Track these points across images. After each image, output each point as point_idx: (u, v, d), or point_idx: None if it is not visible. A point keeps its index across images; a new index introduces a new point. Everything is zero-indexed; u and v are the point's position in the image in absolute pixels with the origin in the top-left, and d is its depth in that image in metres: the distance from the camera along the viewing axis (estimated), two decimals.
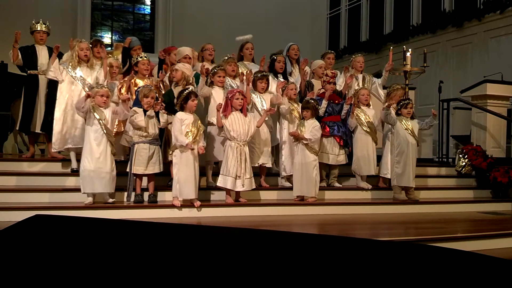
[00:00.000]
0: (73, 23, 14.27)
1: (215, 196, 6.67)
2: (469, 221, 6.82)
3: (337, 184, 7.52)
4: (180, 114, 6.17)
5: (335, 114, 7.46)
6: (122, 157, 6.94)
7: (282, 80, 7.65)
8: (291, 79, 7.84)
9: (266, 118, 6.83)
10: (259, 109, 7.04)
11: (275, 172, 7.40)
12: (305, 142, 6.78)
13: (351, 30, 15.65)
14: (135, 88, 6.60)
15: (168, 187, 6.42)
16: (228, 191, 6.46)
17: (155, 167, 6.21)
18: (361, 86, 7.95)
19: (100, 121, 5.92)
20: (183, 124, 6.11)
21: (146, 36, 15.55)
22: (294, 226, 6.01)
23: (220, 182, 6.37)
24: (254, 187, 6.55)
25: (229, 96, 6.46)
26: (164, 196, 6.39)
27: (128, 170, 6.21)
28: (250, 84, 7.04)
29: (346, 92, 7.84)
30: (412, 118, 7.34)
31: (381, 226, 6.26)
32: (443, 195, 7.98)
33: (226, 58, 7.30)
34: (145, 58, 6.88)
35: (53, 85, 7.10)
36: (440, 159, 9.74)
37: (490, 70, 10.12)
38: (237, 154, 6.32)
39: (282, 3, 16.04)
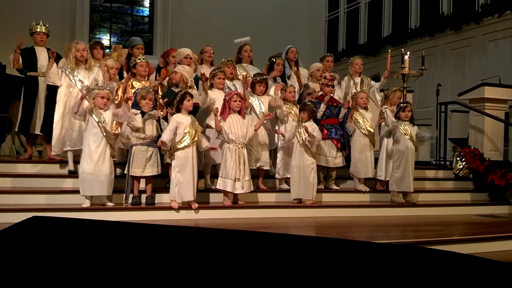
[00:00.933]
0: (71, 25, 14.28)
1: (213, 198, 6.66)
2: (466, 224, 6.83)
3: (334, 187, 7.52)
4: (177, 116, 6.17)
5: (333, 117, 7.47)
6: (120, 159, 6.93)
7: (280, 83, 7.66)
8: (289, 82, 7.84)
9: (264, 121, 6.82)
10: (257, 112, 7.04)
11: (273, 175, 7.40)
12: (310, 139, 6.74)
13: (349, 32, 15.68)
14: (132, 90, 6.60)
15: (166, 189, 6.41)
16: (226, 193, 6.46)
17: (153, 169, 6.21)
18: (359, 89, 7.95)
19: (99, 123, 5.90)
20: (180, 127, 6.11)
21: (145, 38, 15.53)
22: (292, 228, 6.00)
23: (219, 185, 6.38)
24: (252, 189, 6.55)
25: (227, 99, 6.46)
26: (161, 198, 6.39)
27: (126, 172, 6.21)
28: (249, 87, 7.05)
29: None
30: (412, 122, 7.33)
31: (379, 228, 6.26)
32: (440, 198, 7.97)
33: (225, 60, 7.30)
34: (143, 60, 6.84)
35: (52, 87, 7.10)
36: (438, 162, 9.74)
37: (488, 73, 10.14)
38: (236, 156, 6.32)
39: (281, 5, 16.06)
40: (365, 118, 7.44)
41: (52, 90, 7.09)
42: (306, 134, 6.72)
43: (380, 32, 14.20)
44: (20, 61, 7.12)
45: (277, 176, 7.24)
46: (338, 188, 7.57)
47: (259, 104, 7.10)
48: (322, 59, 8.37)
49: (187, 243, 2.57)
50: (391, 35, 13.67)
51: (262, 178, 7.20)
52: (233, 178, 6.29)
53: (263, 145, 7.04)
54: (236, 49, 8.05)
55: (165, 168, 6.46)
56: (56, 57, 7.23)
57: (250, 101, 6.96)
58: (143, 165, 6.14)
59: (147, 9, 16.04)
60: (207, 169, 6.95)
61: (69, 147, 6.71)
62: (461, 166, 8.54)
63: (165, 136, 6.02)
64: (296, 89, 7.41)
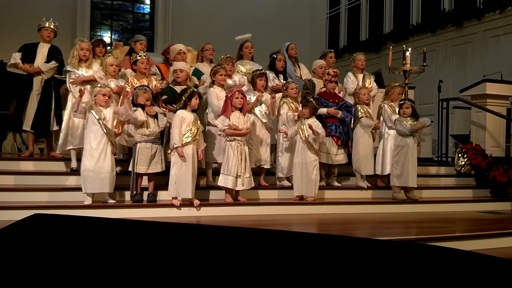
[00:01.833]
0: (72, 22, 14.26)
1: (215, 195, 6.67)
2: (468, 221, 6.83)
3: (336, 184, 7.52)
4: (181, 112, 6.16)
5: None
6: (121, 156, 6.93)
7: (282, 79, 7.65)
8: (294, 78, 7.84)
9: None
10: (256, 111, 7.03)
11: (274, 172, 7.40)
12: (315, 136, 6.74)
13: (350, 29, 15.65)
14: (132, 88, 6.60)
15: (167, 186, 6.41)
16: (227, 191, 6.46)
17: (157, 166, 6.21)
18: (361, 85, 7.95)
19: (100, 120, 5.91)
20: (183, 123, 6.11)
21: (146, 36, 15.48)
22: (293, 225, 6.01)
23: (221, 182, 6.38)
24: (253, 185, 6.56)
25: (229, 96, 6.45)
26: (163, 195, 6.39)
27: (130, 169, 6.21)
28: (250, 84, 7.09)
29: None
30: (415, 117, 7.31)
31: (381, 225, 6.26)
32: (442, 195, 7.98)
33: (224, 57, 7.28)
34: (144, 57, 6.80)
35: (49, 84, 7.09)
36: (440, 159, 9.74)
37: (489, 69, 10.12)
38: (238, 153, 6.32)
39: (282, 2, 16.03)
40: (368, 114, 7.44)
41: (48, 87, 7.09)
42: (310, 131, 6.71)
43: (381, 29, 14.18)
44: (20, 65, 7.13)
45: (279, 174, 7.22)
46: (340, 185, 7.57)
47: (260, 102, 7.09)
48: (324, 55, 8.37)
49: (188, 240, 2.57)
50: (393, 31, 13.65)
51: (264, 175, 7.20)
52: (235, 175, 6.29)
53: (264, 144, 7.04)
54: (237, 46, 8.05)
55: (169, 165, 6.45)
56: (55, 53, 7.23)
57: (249, 97, 6.92)
58: (147, 162, 6.14)
59: (148, 7, 16.02)
60: (209, 166, 6.95)
61: (72, 145, 6.70)
62: (463, 163, 8.53)
63: (177, 138, 6.04)
64: (296, 86, 7.39)
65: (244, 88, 7.11)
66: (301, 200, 6.84)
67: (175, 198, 6.14)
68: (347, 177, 7.79)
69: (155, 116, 6.25)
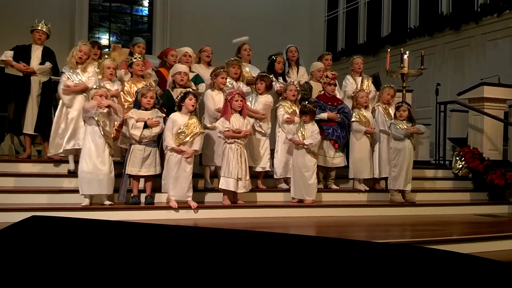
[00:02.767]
0: (70, 24, 14.26)
1: (212, 197, 6.66)
2: (465, 224, 6.83)
3: (334, 186, 7.52)
4: (173, 115, 6.19)
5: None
6: (119, 158, 6.92)
7: (281, 81, 7.65)
8: (288, 80, 7.83)
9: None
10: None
11: (272, 174, 7.40)
12: (305, 146, 6.77)
13: (348, 32, 15.68)
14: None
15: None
16: (226, 193, 6.45)
17: (150, 169, 6.19)
18: (359, 88, 7.95)
19: (99, 122, 5.91)
20: (174, 126, 6.11)
21: (144, 38, 15.49)
22: (291, 228, 6.00)
23: (222, 184, 6.36)
24: (251, 187, 6.56)
25: (229, 98, 6.44)
26: (161, 198, 6.38)
27: (123, 170, 6.21)
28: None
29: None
30: (411, 121, 7.32)
31: (378, 228, 6.26)
32: (440, 198, 7.98)
33: (231, 60, 7.27)
34: (139, 59, 6.77)
35: (47, 86, 7.08)
36: (437, 162, 9.75)
37: (487, 72, 10.14)
38: (238, 155, 6.32)
39: (280, 5, 16.05)
40: (365, 117, 7.45)
41: (46, 89, 7.09)
42: (309, 135, 6.74)
43: (379, 32, 14.20)
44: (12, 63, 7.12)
45: (275, 176, 7.22)
46: (338, 187, 7.57)
47: (254, 102, 7.08)
48: (321, 57, 8.37)
49: (186, 243, 2.56)
50: (391, 34, 13.67)
51: (262, 178, 7.19)
52: (236, 177, 6.29)
53: (262, 146, 7.03)
54: (235, 48, 8.05)
55: None
56: (49, 55, 7.22)
57: (249, 100, 6.93)
58: (139, 164, 6.13)
59: (146, 9, 16.02)
60: (206, 169, 6.94)
61: (68, 147, 6.69)
62: (461, 166, 8.54)
63: (169, 141, 6.06)
64: (296, 88, 7.39)
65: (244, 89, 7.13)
66: (299, 203, 6.83)
67: (173, 200, 6.14)
68: (344, 180, 7.78)
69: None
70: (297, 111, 7.11)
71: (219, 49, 8.10)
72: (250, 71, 7.71)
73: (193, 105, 6.22)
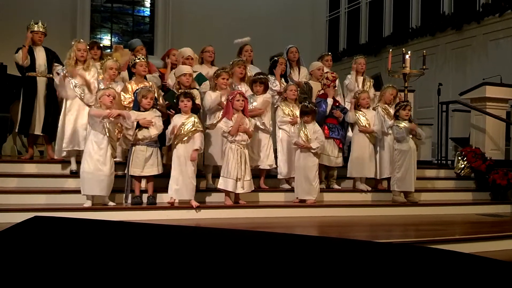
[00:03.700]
0: (72, 25, 14.25)
1: (214, 198, 6.67)
2: (468, 223, 6.83)
3: (336, 186, 7.52)
4: (175, 117, 6.29)
5: (335, 116, 7.48)
6: (121, 159, 6.92)
7: (283, 82, 7.64)
8: (291, 81, 7.83)
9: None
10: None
11: (274, 174, 7.40)
12: (313, 151, 6.78)
13: (350, 32, 15.67)
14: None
15: (167, 189, 6.41)
16: (227, 193, 6.46)
17: (152, 169, 6.20)
18: (361, 88, 7.95)
19: (105, 123, 5.91)
20: (175, 128, 6.17)
21: (146, 38, 15.53)
22: (293, 228, 6.00)
23: (220, 185, 6.38)
24: (253, 188, 6.56)
25: (230, 98, 6.45)
26: (163, 198, 6.38)
27: (126, 171, 6.22)
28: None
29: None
30: (410, 121, 7.33)
31: (380, 228, 6.26)
32: (442, 197, 7.97)
33: (237, 60, 7.27)
34: (142, 60, 6.77)
35: (52, 87, 7.09)
36: (439, 161, 9.74)
37: (489, 72, 10.12)
38: (238, 156, 6.32)
39: (281, 5, 16.03)
40: (367, 117, 7.44)
41: (52, 90, 7.10)
42: (311, 136, 6.76)
43: (381, 32, 14.18)
44: (29, 58, 7.10)
45: (279, 176, 7.22)
46: (340, 187, 7.57)
47: (252, 102, 7.07)
48: (321, 58, 8.37)
49: (188, 243, 2.57)
50: (392, 34, 13.66)
51: (264, 177, 7.19)
52: (235, 177, 6.29)
53: (264, 145, 7.03)
54: (236, 48, 8.05)
55: (167, 168, 6.46)
56: (54, 57, 7.24)
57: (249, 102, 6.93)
58: (142, 164, 6.15)
59: (148, 9, 16.02)
60: (209, 169, 6.95)
61: (71, 147, 6.70)
62: (463, 166, 8.53)
63: (167, 142, 6.22)
64: (296, 88, 7.40)
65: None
66: (301, 203, 6.83)
67: (173, 199, 6.16)
68: (346, 180, 7.78)
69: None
70: (297, 112, 7.10)
71: (220, 49, 8.09)
72: (252, 72, 7.70)
73: (185, 106, 6.22)
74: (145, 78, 6.90)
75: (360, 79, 8.15)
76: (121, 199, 6.22)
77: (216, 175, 6.72)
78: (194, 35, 13.72)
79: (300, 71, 8.21)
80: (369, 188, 7.53)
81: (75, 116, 6.70)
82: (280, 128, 7.28)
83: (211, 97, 6.72)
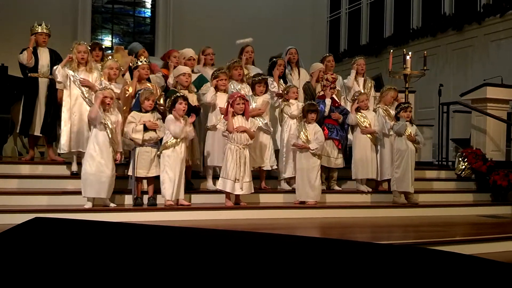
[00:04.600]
0: (73, 26, 14.26)
1: (215, 199, 6.66)
2: (468, 225, 6.82)
3: (336, 187, 7.52)
4: (169, 117, 6.27)
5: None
6: (122, 160, 6.92)
7: (282, 83, 7.62)
8: (289, 82, 7.82)
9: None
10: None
11: (275, 175, 7.39)
12: (311, 151, 6.78)
13: (351, 33, 15.66)
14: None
15: None
16: (227, 194, 6.46)
17: (157, 170, 6.22)
18: (361, 88, 7.95)
19: (107, 126, 5.91)
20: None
21: (147, 39, 15.54)
22: (294, 229, 6.00)
23: (219, 185, 6.39)
24: (253, 191, 6.54)
25: (230, 101, 6.44)
26: (163, 199, 6.38)
27: (130, 173, 6.22)
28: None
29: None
30: (411, 123, 7.32)
31: (381, 229, 6.26)
32: (442, 199, 7.97)
33: (232, 62, 7.26)
34: (145, 63, 6.75)
35: (53, 88, 7.10)
36: (440, 162, 9.74)
37: (490, 73, 10.12)
38: (237, 157, 6.32)
39: (282, 6, 16.03)
40: (367, 119, 7.44)
41: (53, 91, 7.10)
42: (314, 137, 6.78)
43: (382, 33, 14.18)
44: (33, 58, 7.10)
45: (282, 175, 7.20)
46: (340, 188, 7.57)
47: (253, 103, 7.07)
48: (323, 59, 8.34)
49: (189, 244, 2.57)
50: (393, 35, 13.65)
51: (265, 179, 7.19)
52: (233, 178, 6.29)
53: (265, 147, 7.02)
54: (238, 49, 8.05)
55: None
56: (56, 58, 7.24)
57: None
58: (148, 166, 6.16)
59: (149, 10, 16.03)
60: (209, 171, 6.95)
61: (74, 149, 6.70)
62: (463, 167, 8.53)
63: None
64: (298, 90, 7.40)
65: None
66: (301, 204, 6.83)
67: (169, 200, 6.17)
68: (347, 181, 7.77)
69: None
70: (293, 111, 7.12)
71: (221, 50, 8.10)
72: (253, 72, 7.69)
73: (183, 109, 6.21)
74: (148, 79, 6.88)
75: (361, 80, 8.14)
76: (122, 200, 6.23)
77: (216, 177, 6.72)
78: (195, 36, 13.72)
79: (300, 72, 8.19)
80: (370, 189, 7.53)
81: (78, 117, 6.69)
82: (282, 125, 7.26)
83: (211, 94, 6.71)
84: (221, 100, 6.77)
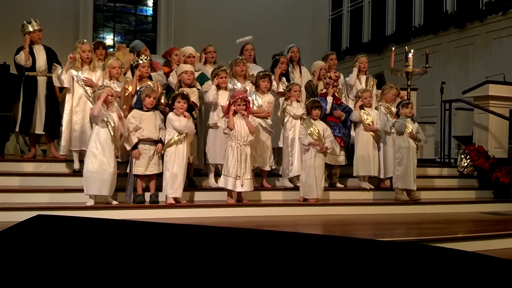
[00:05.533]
0: (75, 25, 14.28)
1: (217, 196, 6.67)
2: (471, 222, 6.82)
3: (339, 185, 7.52)
4: (170, 115, 6.28)
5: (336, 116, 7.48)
6: (124, 158, 6.93)
7: (285, 81, 7.61)
8: (292, 80, 7.82)
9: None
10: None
11: (277, 173, 7.39)
12: (328, 150, 6.82)
13: (353, 31, 15.64)
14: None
15: None
16: (229, 192, 6.46)
17: (155, 168, 6.22)
18: (364, 86, 7.95)
19: (109, 123, 5.91)
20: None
21: (148, 37, 15.55)
22: (296, 226, 6.00)
23: (221, 183, 6.40)
24: (253, 188, 6.54)
25: (231, 102, 6.43)
26: (165, 197, 6.39)
27: (128, 170, 6.23)
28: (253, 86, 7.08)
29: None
30: (412, 120, 7.32)
31: (383, 226, 6.25)
32: (445, 196, 7.97)
33: (236, 59, 7.24)
34: (145, 61, 6.72)
35: (51, 86, 7.10)
36: (442, 160, 9.73)
37: (492, 71, 10.11)
38: (238, 154, 6.31)
39: (284, 4, 16.03)
40: (370, 116, 7.44)
41: (52, 89, 7.10)
42: (322, 134, 6.81)
43: (384, 30, 14.16)
44: (31, 58, 7.10)
45: (290, 174, 7.19)
46: (343, 186, 7.57)
47: (259, 99, 7.06)
48: (326, 57, 8.33)
49: (191, 241, 2.57)
50: (395, 33, 13.63)
51: (266, 176, 7.19)
52: (234, 176, 6.29)
53: (265, 146, 7.01)
54: (239, 47, 8.05)
55: None
56: (52, 55, 7.23)
57: (251, 98, 6.89)
58: (146, 163, 6.16)
59: (151, 9, 16.04)
60: (211, 168, 6.95)
61: (77, 147, 6.71)
62: (466, 164, 8.52)
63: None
64: (300, 88, 7.38)
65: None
66: (304, 201, 6.83)
67: (170, 197, 6.19)
68: (349, 179, 7.77)
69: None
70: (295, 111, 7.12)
71: (223, 48, 8.09)
72: (254, 70, 7.68)
73: (181, 108, 6.21)
74: (150, 77, 6.88)
75: (363, 78, 8.14)
76: (124, 198, 6.23)
77: (218, 174, 6.73)
78: (197, 34, 13.73)
79: (301, 70, 8.19)
80: (372, 187, 7.52)
81: (82, 116, 6.70)
82: (283, 125, 7.26)
83: (213, 92, 6.71)
84: (222, 98, 6.77)
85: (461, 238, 5.59)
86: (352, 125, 7.65)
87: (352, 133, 7.68)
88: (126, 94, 6.57)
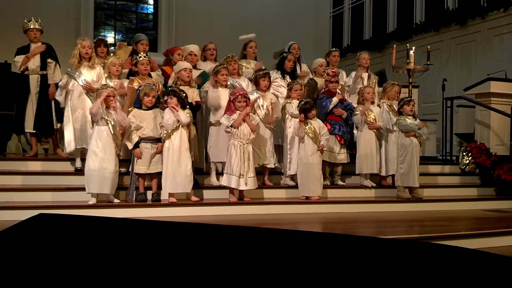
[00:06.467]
0: (76, 23, 14.26)
1: (219, 195, 6.67)
2: (473, 219, 6.81)
3: (340, 182, 7.51)
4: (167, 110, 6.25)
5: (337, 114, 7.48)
6: (125, 157, 6.93)
7: (289, 80, 7.59)
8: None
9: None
10: (258, 112, 7.00)
11: (279, 171, 7.39)
12: (325, 149, 6.84)
13: (354, 28, 15.63)
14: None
15: None
16: (231, 190, 6.46)
17: (157, 166, 6.22)
18: (366, 83, 7.94)
19: (109, 122, 5.92)
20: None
21: (149, 35, 15.44)
22: (298, 224, 6.00)
23: (224, 181, 6.39)
24: (257, 186, 6.55)
25: (232, 98, 6.43)
26: (167, 195, 6.39)
27: (130, 169, 6.23)
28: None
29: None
30: (414, 117, 7.31)
31: (385, 224, 6.25)
32: (447, 193, 7.95)
33: (226, 57, 7.26)
34: (145, 58, 6.71)
35: (44, 83, 7.08)
36: (444, 157, 9.72)
37: (493, 68, 10.09)
38: (241, 152, 6.32)
39: (285, 1, 16.01)
40: (372, 113, 7.43)
41: (45, 87, 7.09)
42: (319, 132, 6.81)
43: (385, 28, 14.15)
44: (27, 64, 7.09)
45: (288, 172, 7.19)
46: (344, 183, 7.56)
47: (262, 101, 7.05)
48: (328, 54, 8.32)
49: (193, 240, 2.57)
50: (396, 30, 13.62)
51: (268, 174, 7.19)
52: (238, 174, 6.29)
53: (267, 143, 7.01)
54: (240, 44, 8.04)
55: None
56: (48, 51, 7.21)
57: (252, 97, 6.89)
58: (147, 162, 6.17)
59: (152, 7, 16.02)
60: (213, 166, 6.95)
61: (79, 146, 6.71)
62: (467, 161, 8.51)
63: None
64: (301, 88, 7.38)
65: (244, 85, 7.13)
66: (306, 200, 6.82)
67: (172, 195, 6.18)
68: (350, 176, 7.77)
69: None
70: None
71: (224, 45, 8.08)
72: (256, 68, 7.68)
73: (174, 104, 6.18)
74: (149, 75, 6.88)
75: (365, 75, 8.13)
76: (125, 196, 6.23)
77: (221, 172, 6.73)
78: (198, 32, 13.71)
79: (302, 68, 8.18)
80: (374, 184, 7.52)
81: (81, 114, 6.69)
82: (286, 122, 7.26)
83: (213, 95, 6.72)
84: (224, 95, 6.77)
85: (463, 236, 5.58)
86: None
87: (355, 131, 7.67)
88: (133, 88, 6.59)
